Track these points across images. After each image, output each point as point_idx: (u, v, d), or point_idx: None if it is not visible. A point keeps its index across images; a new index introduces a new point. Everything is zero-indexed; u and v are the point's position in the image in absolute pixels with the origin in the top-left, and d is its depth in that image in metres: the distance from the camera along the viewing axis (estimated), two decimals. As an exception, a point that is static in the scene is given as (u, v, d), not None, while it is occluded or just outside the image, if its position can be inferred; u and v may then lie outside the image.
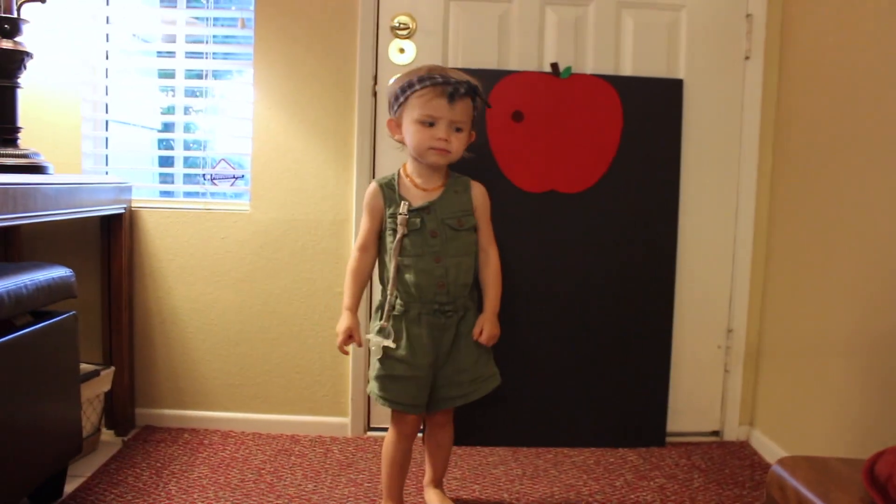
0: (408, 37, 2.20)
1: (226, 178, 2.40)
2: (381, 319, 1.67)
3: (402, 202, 1.64)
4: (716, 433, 2.37)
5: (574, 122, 2.15)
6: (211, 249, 2.27)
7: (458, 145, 1.65)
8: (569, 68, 2.15)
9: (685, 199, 2.25)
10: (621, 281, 2.21)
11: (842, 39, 1.92)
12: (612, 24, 2.21)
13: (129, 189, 2.21)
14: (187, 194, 2.39)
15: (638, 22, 2.22)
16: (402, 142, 1.69)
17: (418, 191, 1.68)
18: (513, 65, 2.20)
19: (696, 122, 2.24)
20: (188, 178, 2.42)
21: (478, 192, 1.74)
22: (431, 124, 1.62)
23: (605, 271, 2.21)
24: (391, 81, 1.72)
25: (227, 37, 2.44)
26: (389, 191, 1.68)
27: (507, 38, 2.21)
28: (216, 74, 2.43)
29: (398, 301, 1.65)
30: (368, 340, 1.68)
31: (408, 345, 1.65)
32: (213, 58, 2.35)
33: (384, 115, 2.19)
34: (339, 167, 2.24)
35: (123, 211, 2.18)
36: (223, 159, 2.40)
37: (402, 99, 1.64)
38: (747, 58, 2.24)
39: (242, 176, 2.40)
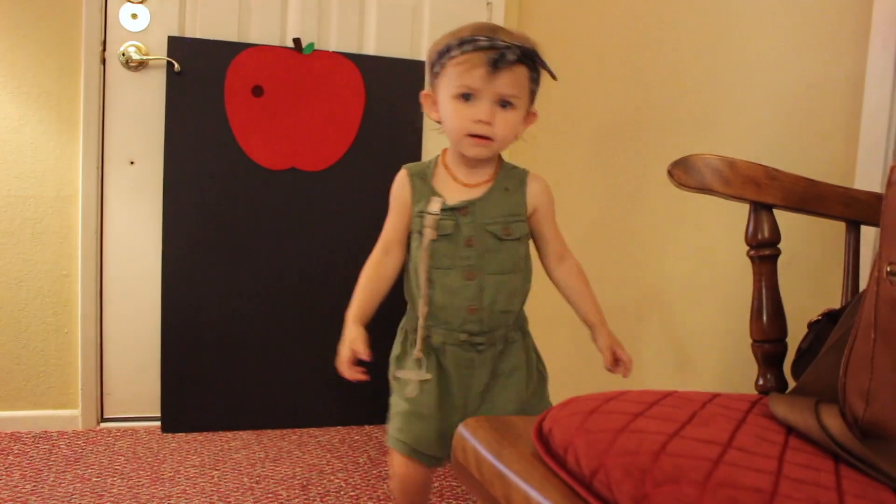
0: (141, 1, 2.06)
1: (-72, 148, 2.13)
2: (411, 347, 1.35)
3: (435, 198, 1.31)
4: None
5: (316, 100, 2.13)
6: (-90, 229, 2.01)
7: (505, 129, 1.28)
8: (311, 44, 2.12)
9: (429, 179, 2.30)
10: (362, 258, 2.22)
11: (571, 23, 2.04)
12: (357, 2, 2.21)
13: None
14: None
15: (382, 3, 2.23)
16: (439, 122, 1.34)
17: (457, 185, 1.33)
18: (253, 38, 2.12)
19: (440, 104, 2.30)
20: None
21: (537, 189, 1.37)
22: (469, 97, 1.26)
23: (346, 249, 2.20)
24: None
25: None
26: (420, 181, 1.34)
27: (248, 10, 2.13)
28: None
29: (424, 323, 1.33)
30: (398, 378, 1.35)
31: (436, 376, 1.33)
32: (-90, 11, 2.07)
33: (113, 83, 2.06)
34: (64, 138, 2.05)
35: None
36: (-77, 127, 2.13)
37: (437, 68, 1.27)
38: (488, 43, 2.33)
39: (-51, 147, 2.14)
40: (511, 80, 1.24)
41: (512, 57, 1.21)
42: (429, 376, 1.30)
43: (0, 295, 2.07)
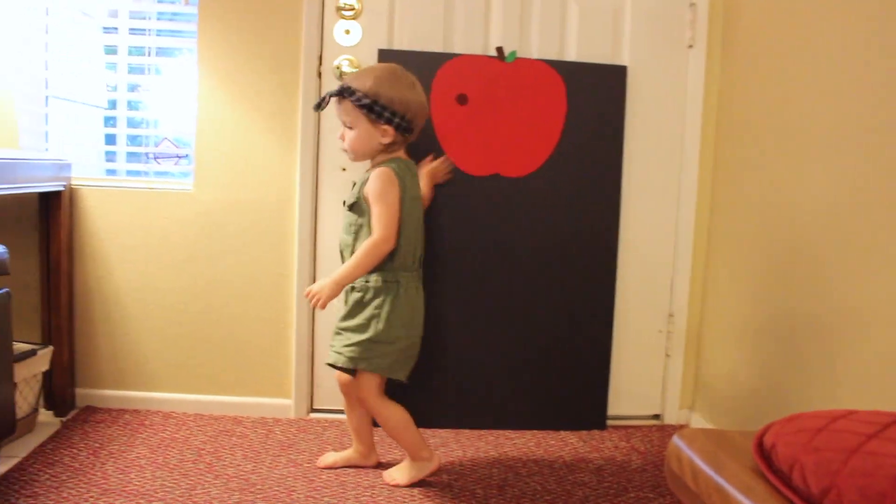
0: (354, 18, 2.18)
1: (169, 157, 2.38)
2: None
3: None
4: (656, 416, 2.41)
5: (518, 107, 2.16)
6: (153, 229, 2.24)
7: (351, 143, 1.81)
8: (514, 52, 2.15)
9: (628, 185, 2.27)
10: (564, 266, 2.23)
11: (783, 29, 1.94)
12: (558, 8, 2.22)
13: (68, 166, 2.17)
14: (131, 173, 2.36)
15: (583, 7, 2.23)
16: None
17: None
18: (458, 48, 2.19)
19: (640, 108, 2.26)
20: (132, 157, 2.39)
21: (370, 178, 1.80)
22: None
23: (548, 255, 2.22)
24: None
25: (174, 13, 2.41)
26: None
27: (452, 21, 2.20)
28: (162, 52, 2.40)
29: None
30: None
31: None
32: (158, 34, 2.32)
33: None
34: (284, 148, 2.22)
35: (63, 188, 2.14)
36: (166, 138, 2.37)
37: None
38: (690, 46, 2.27)
39: (186, 155, 2.37)
40: (342, 111, 1.80)
41: (330, 97, 1.80)
42: None
43: (228, 291, 2.27)
